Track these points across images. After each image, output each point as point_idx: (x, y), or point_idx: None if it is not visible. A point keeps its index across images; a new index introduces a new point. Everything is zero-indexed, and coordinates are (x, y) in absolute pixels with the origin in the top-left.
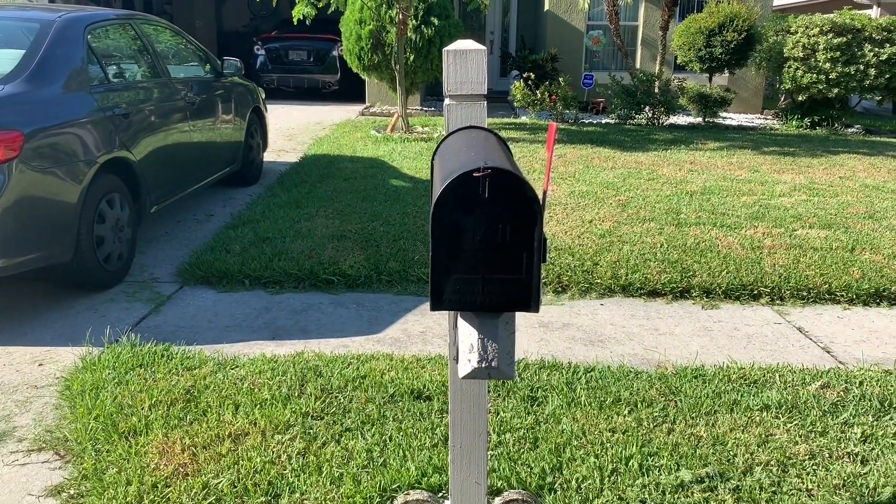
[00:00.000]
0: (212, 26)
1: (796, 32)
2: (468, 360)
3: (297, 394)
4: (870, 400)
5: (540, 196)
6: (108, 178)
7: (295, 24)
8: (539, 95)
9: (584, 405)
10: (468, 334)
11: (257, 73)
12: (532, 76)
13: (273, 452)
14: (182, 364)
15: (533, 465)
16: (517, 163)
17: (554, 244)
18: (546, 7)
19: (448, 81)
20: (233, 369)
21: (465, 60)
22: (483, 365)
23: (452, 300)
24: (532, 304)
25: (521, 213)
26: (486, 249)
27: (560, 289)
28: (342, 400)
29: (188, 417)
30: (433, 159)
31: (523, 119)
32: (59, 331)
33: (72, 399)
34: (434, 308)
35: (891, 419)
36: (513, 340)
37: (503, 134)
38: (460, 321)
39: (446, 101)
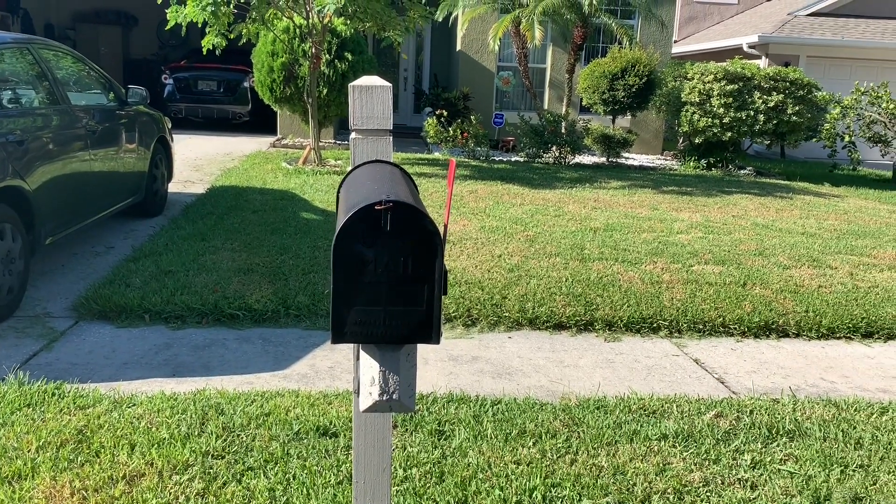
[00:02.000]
0: (118, 54)
1: (693, 79)
2: (370, 393)
3: (197, 432)
4: (759, 428)
5: (441, 230)
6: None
7: (204, 53)
8: (451, 132)
9: (491, 438)
10: (370, 367)
11: (165, 103)
12: (445, 113)
13: (170, 493)
14: (74, 403)
15: (438, 500)
16: (430, 196)
17: (464, 278)
18: (458, 47)
19: (354, 116)
20: (129, 408)
21: (371, 96)
22: (384, 398)
23: (354, 332)
24: (433, 336)
25: (423, 247)
26: (388, 282)
27: (470, 322)
28: (245, 438)
29: (79, 459)
30: (338, 192)
31: (436, 155)
32: None
33: None
34: (335, 341)
35: (778, 446)
36: (414, 373)
37: (416, 169)
38: (362, 354)
39: (352, 135)
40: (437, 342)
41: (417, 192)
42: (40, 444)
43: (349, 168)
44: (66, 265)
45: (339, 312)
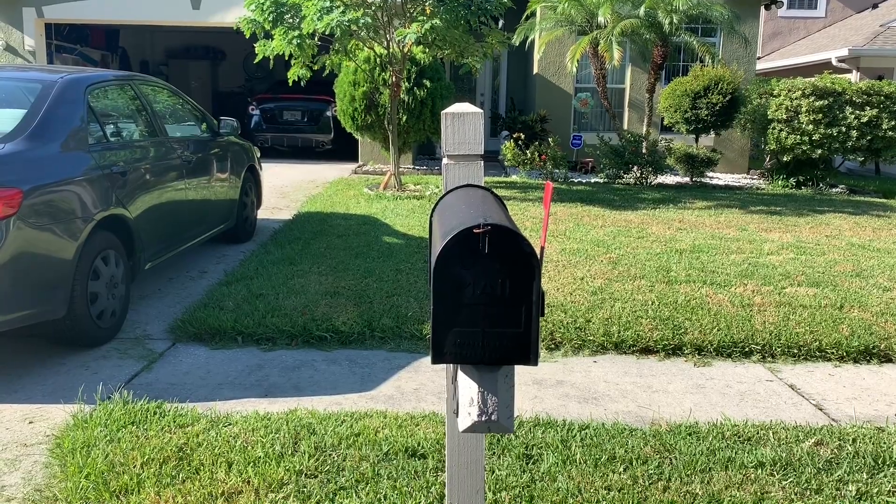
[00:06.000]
0: (207, 87)
1: (779, 95)
2: (468, 414)
3: (290, 451)
4: (863, 457)
5: (538, 252)
6: (104, 235)
7: (290, 85)
8: (529, 155)
9: (580, 463)
10: (468, 388)
11: (252, 133)
12: (522, 136)
13: None
14: (174, 421)
15: None
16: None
17: (547, 301)
18: (535, 70)
19: (446, 142)
20: (226, 427)
21: (463, 122)
22: (483, 418)
23: (453, 353)
24: (531, 358)
25: (520, 268)
26: (486, 304)
27: (553, 346)
28: (336, 458)
29: (181, 475)
30: (432, 216)
31: (514, 178)
32: (50, 388)
33: (62, 457)
34: (435, 361)
35: (885, 476)
36: (512, 394)
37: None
38: (460, 374)
39: (444, 160)
40: (535, 364)
41: (509, 214)
42: (144, 460)
43: (437, 192)
44: (163, 289)
45: (439, 334)
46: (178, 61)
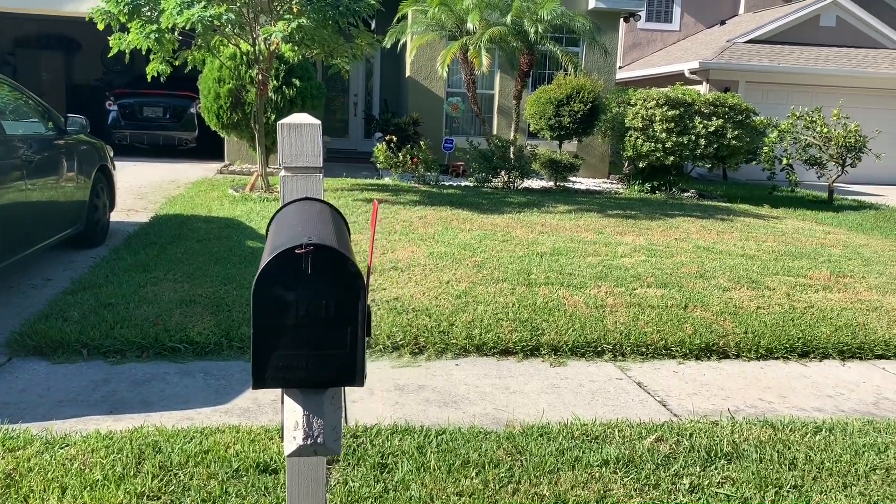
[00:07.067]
0: (60, 80)
1: (636, 105)
2: (293, 438)
3: (132, 473)
4: (698, 451)
5: (364, 272)
6: None
7: (149, 80)
8: (401, 158)
9: (434, 469)
10: (293, 411)
11: (109, 130)
12: (395, 139)
13: None
14: (3, 445)
15: None
16: (380, 222)
17: (412, 305)
18: (408, 73)
19: (283, 153)
20: (62, 448)
21: (300, 134)
22: (309, 442)
23: (276, 377)
24: (357, 379)
25: (345, 289)
26: (310, 325)
27: (417, 350)
28: (182, 477)
29: None
30: (268, 228)
31: (386, 180)
32: None
33: None
34: (256, 386)
35: (716, 468)
36: (339, 415)
37: (365, 195)
38: (286, 398)
39: (282, 172)
40: (362, 384)
41: (348, 229)
42: None
43: (280, 205)
44: (0, 299)
45: (260, 357)
46: (28, 51)
